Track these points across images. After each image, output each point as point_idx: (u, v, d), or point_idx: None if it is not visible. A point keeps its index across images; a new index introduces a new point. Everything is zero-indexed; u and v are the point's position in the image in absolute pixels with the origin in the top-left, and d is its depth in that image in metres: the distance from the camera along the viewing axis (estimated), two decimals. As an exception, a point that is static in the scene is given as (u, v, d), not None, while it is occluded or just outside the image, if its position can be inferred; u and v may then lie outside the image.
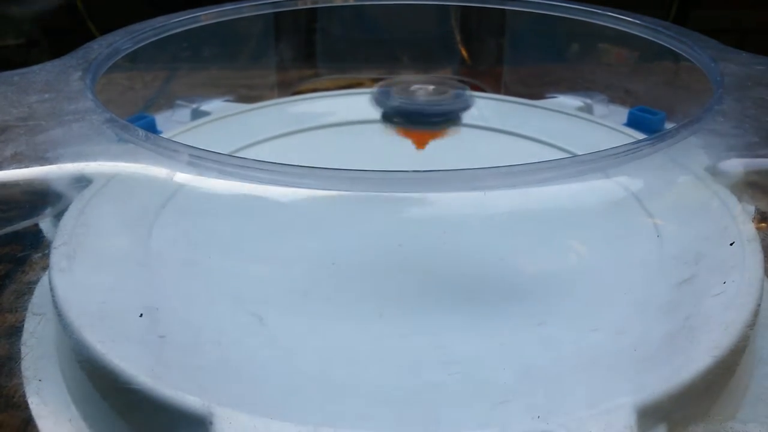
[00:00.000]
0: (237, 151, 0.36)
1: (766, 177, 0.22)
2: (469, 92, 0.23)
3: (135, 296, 0.21)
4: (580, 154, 0.20)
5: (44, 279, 0.25)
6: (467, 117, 0.40)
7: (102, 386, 0.19)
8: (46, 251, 0.23)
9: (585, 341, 0.20)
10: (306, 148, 0.37)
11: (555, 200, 0.20)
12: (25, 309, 0.25)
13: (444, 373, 0.19)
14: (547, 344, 0.20)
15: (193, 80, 0.44)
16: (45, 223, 0.25)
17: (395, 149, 0.38)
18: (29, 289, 0.26)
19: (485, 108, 0.41)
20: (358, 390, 0.19)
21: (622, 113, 0.39)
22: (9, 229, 0.21)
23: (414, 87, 0.24)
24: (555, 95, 0.42)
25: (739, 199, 0.23)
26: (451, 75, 0.51)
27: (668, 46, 0.32)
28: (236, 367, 0.19)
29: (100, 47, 0.30)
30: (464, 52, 0.50)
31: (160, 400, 0.18)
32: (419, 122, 0.21)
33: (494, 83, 0.47)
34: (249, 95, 0.44)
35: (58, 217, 0.24)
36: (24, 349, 0.23)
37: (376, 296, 0.22)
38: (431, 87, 0.23)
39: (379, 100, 0.22)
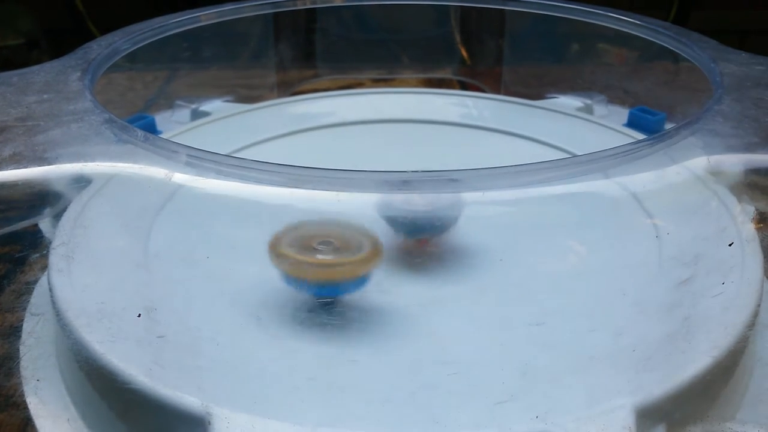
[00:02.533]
0: (237, 151, 0.36)
1: (765, 177, 0.22)
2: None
3: (133, 296, 0.21)
4: (580, 154, 0.20)
5: (43, 279, 0.25)
6: (467, 118, 0.40)
7: (100, 386, 0.19)
8: (45, 251, 0.23)
9: (584, 341, 0.20)
10: (306, 149, 0.37)
11: (555, 200, 0.20)
12: (24, 309, 0.25)
13: (443, 373, 0.19)
14: (545, 344, 0.20)
15: (193, 80, 0.45)
16: (44, 224, 0.25)
17: (395, 150, 0.38)
18: (28, 289, 0.26)
19: (485, 108, 0.41)
20: (357, 390, 0.18)
21: (621, 114, 0.39)
22: (8, 230, 0.21)
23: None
24: (555, 95, 0.42)
25: (739, 200, 0.23)
26: (451, 75, 0.52)
27: (668, 46, 0.32)
28: (234, 367, 0.19)
29: (100, 48, 0.30)
30: (464, 52, 0.50)
31: (159, 400, 0.18)
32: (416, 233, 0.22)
33: (494, 83, 0.47)
34: (249, 95, 0.44)
35: (56, 217, 0.24)
36: (22, 349, 0.23)
37: (375, 296, 0.22)
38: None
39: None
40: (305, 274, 0.20)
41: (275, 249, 0.20)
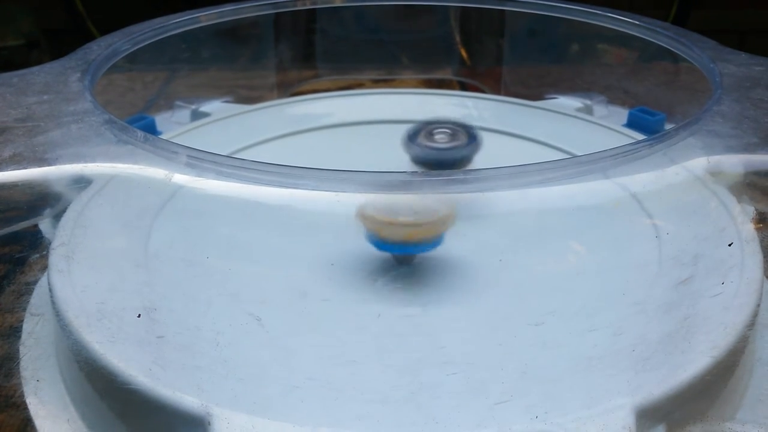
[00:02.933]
0: (236, 152, 0.36)
1: (764, 178, 0.22)
2: (480, 134, 0.27)
3: (133, 297, 0.21)
4: (580, 154, 0.20)
5: (43, 279, 0.25)
6: (467, 119, 0.40)
7: (100, 386, 0.19)
8: (45, 252, 0.23)
9: (583, 341, 0.20)
10: (305, 149, 0.37)
11: (555, 200, 0.20)
12: (24, 309, 0.25)
13: (442, 374, 0.19)
14: (545, 344, 0.20)
15: (193, 81, 0.45)
16: (44, 224, 0.25)
17: (395, 150, 0.38)
18: (28, 289, 0.26)
19: (485, 109, 0.41)
20: (357, 390, 0.18)
21: (621, 114, 0.39)
22: (8, 230, 0.21)
23: (435, 132, 0.28)
24: (554, 96, 0.42)
25: (738, 200, 0.23)
26: (451, 75, 0.52)
27: (667, 46, 0.32)
28: (234, 368, 0.19)
29: (99, 48, 0.30)
30: (464, 53, 0.50)
31: (158, 400, 0.18)
32: (439, 167, 0.27)
33: (494, 84, 0.47)
34: (248, 96, 0.44)
35: (57, 217, 0.24)
36: (22, 350, 0.23)
37: (374, 296, 0.22)
38: (448, 132, 0.28)
39: (407, 144, 0.28)
40: (388, 234, 0.22)
41: (362, 212, 0.21)
